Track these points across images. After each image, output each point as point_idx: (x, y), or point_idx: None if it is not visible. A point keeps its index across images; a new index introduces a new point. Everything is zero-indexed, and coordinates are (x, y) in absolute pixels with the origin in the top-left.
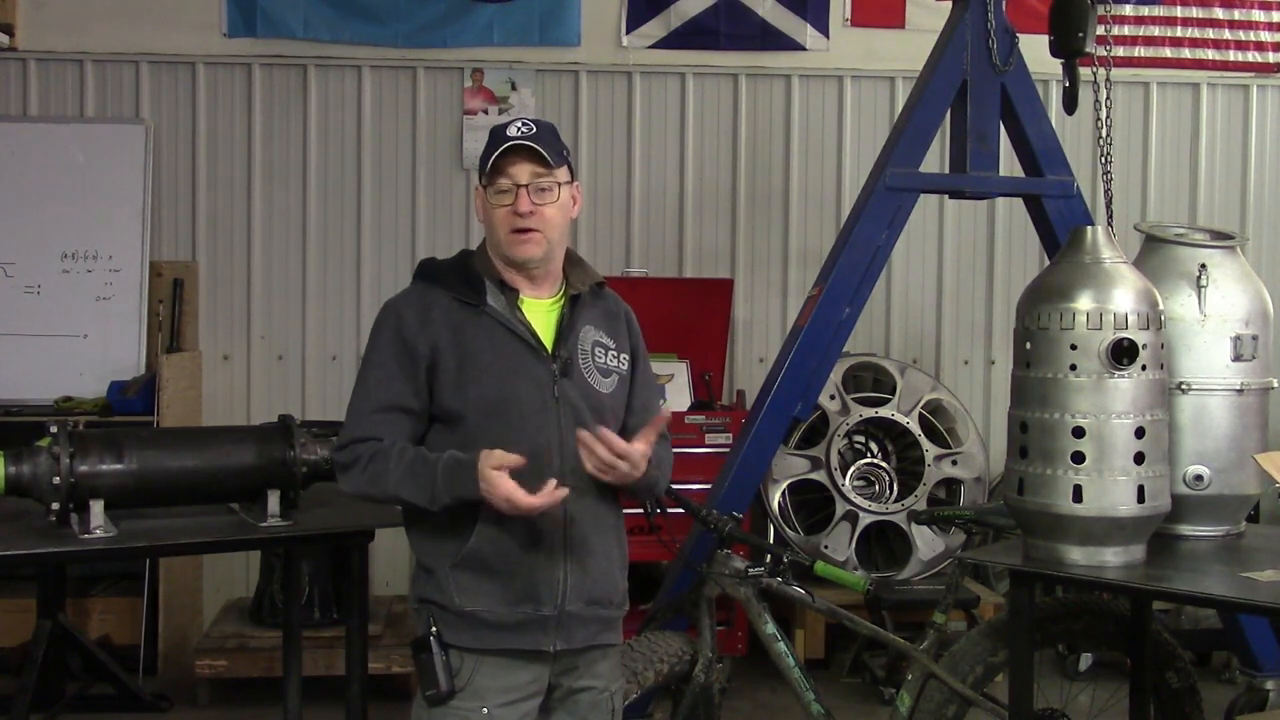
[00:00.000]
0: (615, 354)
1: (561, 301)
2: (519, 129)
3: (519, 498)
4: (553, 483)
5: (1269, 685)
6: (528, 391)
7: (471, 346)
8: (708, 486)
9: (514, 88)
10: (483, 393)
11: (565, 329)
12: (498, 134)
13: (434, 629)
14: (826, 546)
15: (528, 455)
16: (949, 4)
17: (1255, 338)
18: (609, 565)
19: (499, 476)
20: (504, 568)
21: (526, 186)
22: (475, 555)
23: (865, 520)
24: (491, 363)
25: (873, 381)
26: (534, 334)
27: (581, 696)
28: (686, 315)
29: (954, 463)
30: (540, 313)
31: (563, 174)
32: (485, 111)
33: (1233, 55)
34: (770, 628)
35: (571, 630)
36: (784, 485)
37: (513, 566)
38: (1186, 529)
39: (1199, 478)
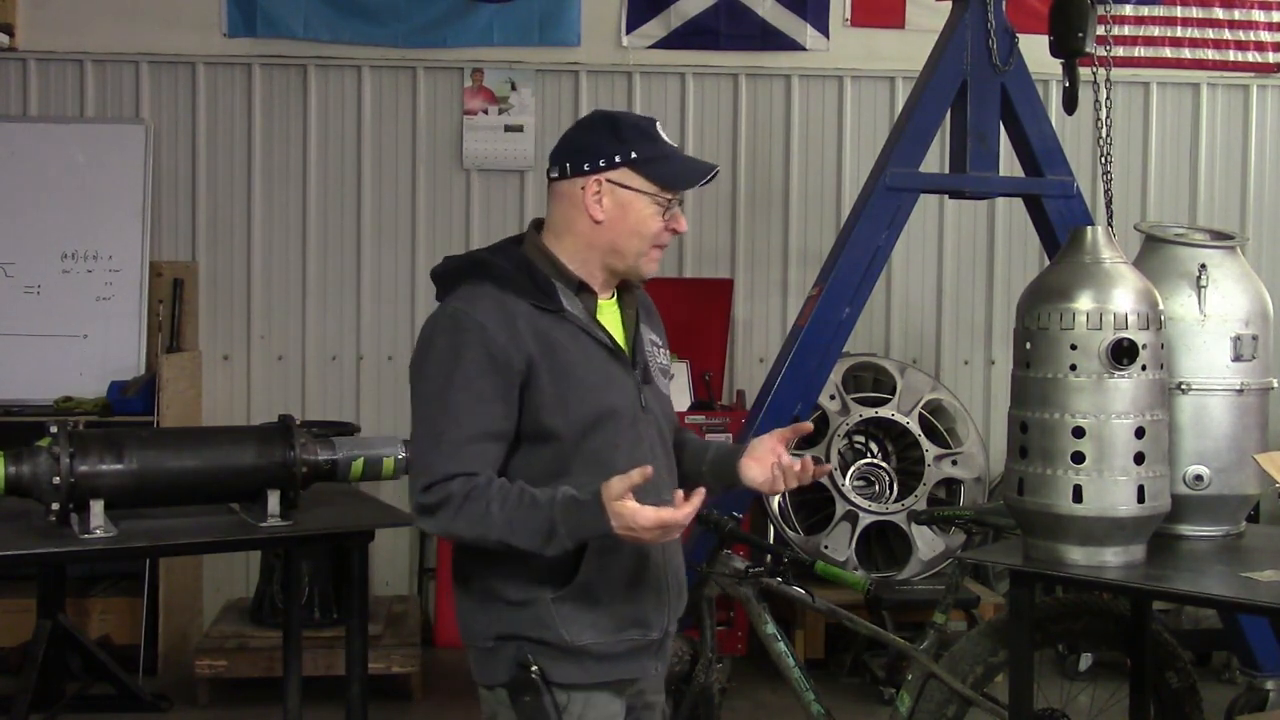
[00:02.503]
0: (664, 350)
1: (618, 302)
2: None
3: (667, 516)
4: (680, 494)
5: (1269, 685)
6: (623, 405)
7: (564, 359)
8: None
9: (514, 88)
10: (583, 411)
11: (635, 333)
12: (664, 143)
13: (534, 666)
14: (826, 546)
15: (630, 470)
16: (949, 4)
17: (1255, 338)
18: (686, 583)
19: (634, 506)
20: (611, 597)
21: (681, 205)
22: (585, 587)
23: (865, 520)
24: (586, 376)
25: (873, 381)
26: (614, 341)
27: (643, 714)
28: (686, 315)
29: (954, 463)
30: (607, 314)
31: None
32: (485, 111)
33: (1233, 55)
34: (770, 628)
35: (666, 651)
36: None
37: (622, 594)
38: (1186, 529)
39: (1199, 478)
